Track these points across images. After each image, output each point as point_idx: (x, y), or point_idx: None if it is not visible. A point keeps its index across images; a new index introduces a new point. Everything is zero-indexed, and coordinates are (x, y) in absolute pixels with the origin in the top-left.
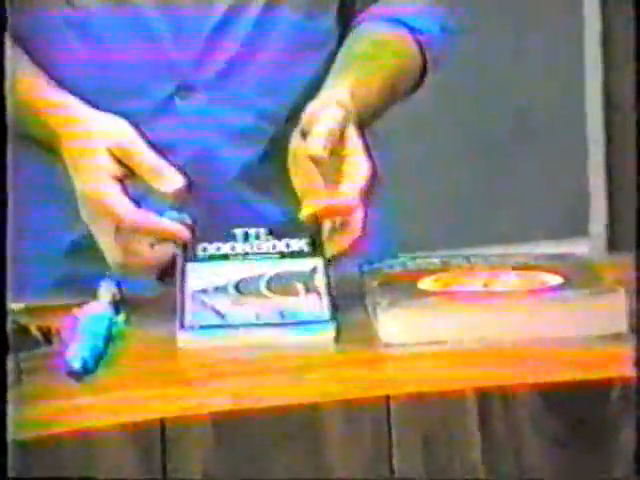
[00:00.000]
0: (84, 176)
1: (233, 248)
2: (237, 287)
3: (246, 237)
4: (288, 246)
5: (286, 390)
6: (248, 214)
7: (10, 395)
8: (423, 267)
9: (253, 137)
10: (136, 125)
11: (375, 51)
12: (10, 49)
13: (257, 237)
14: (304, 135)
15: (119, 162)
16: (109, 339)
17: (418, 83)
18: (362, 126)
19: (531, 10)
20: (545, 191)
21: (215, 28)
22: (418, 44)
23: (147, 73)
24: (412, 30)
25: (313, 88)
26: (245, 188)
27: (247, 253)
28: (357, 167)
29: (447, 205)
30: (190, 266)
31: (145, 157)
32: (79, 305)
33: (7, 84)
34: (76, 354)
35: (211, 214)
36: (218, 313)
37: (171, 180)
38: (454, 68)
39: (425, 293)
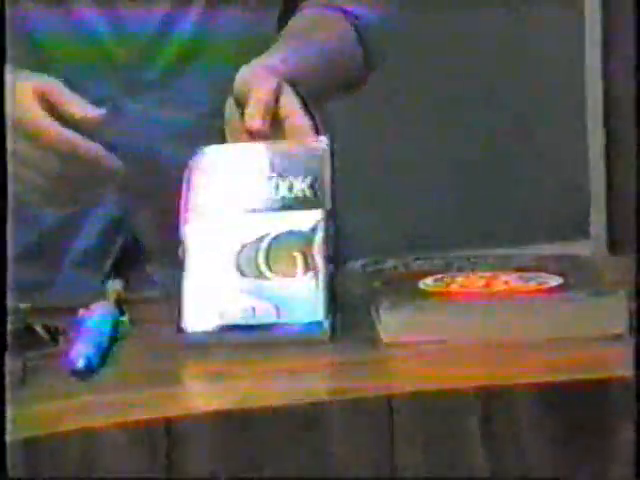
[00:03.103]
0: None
1: (235, 192)
2: (237, 261)
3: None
4: (291, 188)
5: (288, 390)
6: None
7: (15, 394)
8: (425, 268)
9: (201, 135)
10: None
11: (311, 26)
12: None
13: (260, 173)
14: (238, 104)
15: (43, 99)
16: (114, 339)
17: (361, 74)
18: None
19: (532, 10)
20: (546, 192)
21: (159, 27)
22: (356, 30)
23: (91, 74)
24: (351, 16)
25: None
26: None
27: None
28: (298, 124)
29: (448, 206)
30: (192, 224)
31: (67, 92)
32: (85, 305)
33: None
34: (80, 353)
35: (159, 214)
36: (217, 308)
37: (93, 108)
38: (454, 69)
39: (427, 294)
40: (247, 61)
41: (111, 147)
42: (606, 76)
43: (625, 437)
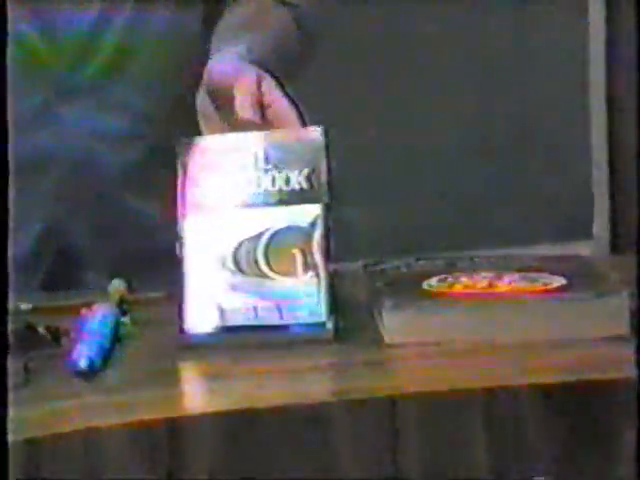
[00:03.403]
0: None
1: (232, 186)
2: (235, 259)
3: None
4: (288, 182)
5: (290, 391)
6: (133, 218)
7: (17, 395)
8: (427, 268)
9: (134, 139)
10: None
11: (256, 17)
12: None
13: (256, 166)
14: (212, 96)
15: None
16: (116, 339)
17: (302, 62)
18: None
19: (536, 12)
20: (548, 193)
21: (89, 31)
22: (295, 19)
23: (24, 80)
24: (289, 6)
25: (189, 86)
26: (128, 192)
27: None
28: (283, 112)
29: (451, 207)
30: (190, 220)
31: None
32: (87, 305)
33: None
34: (83, 354)
35: (95, 220)
36: (218, 308)
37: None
38: (456, 68)
39: (429, 294)
40: (178, 62)
41: (47, 154)
42: (610, 76)
43: (628, 438)
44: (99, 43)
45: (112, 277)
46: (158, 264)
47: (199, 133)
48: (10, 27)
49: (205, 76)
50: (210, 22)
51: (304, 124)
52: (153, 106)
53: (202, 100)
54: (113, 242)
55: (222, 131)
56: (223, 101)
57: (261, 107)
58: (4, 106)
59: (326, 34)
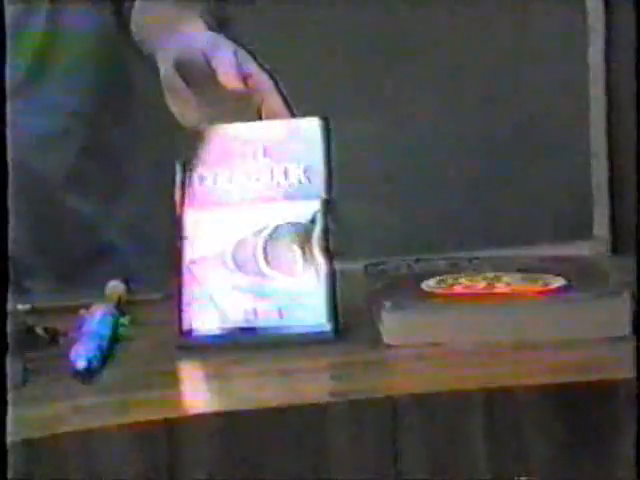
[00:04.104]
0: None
1: (230, 180)
2: (235, 258)
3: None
4: (286, 174)
5: (290, 391)
6: (76, 219)
7: (15, 396)
8: (427, 269)
9: (66, 139)
10: None
11: None
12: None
13: (253, 160)
14: (181, 68)
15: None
16: (114, 340)
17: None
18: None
19: (535, 13)
20: (548, 194)
21: (6, 34)
22: None
23: None
24: None
25: (116, 82)
26: (68, 192)
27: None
28: (261, 82)
29: (451, 207)
30: (189, 217)
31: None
32: (86, 306)
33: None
34: (81, 355)
35: (40, 224)
36: (217, 307)
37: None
38: (457, 70)
39: (429, 295)
40: (105, 56)
41: None
42: (609, 75)
43: (628, 438)
44: (21, 44)
45: (55, 279)
46: (100, 263)
47: (134, 129)
48: None
49: (173, 51)
50: (120, 12)
51: (282, 93)
52: (82, 104)
53: (169, 76)
54: (55, 243)
55: (195, 106)
56: (196, 75)
57: (243, 78)
58: (3, 105)
59: (329, 32)
